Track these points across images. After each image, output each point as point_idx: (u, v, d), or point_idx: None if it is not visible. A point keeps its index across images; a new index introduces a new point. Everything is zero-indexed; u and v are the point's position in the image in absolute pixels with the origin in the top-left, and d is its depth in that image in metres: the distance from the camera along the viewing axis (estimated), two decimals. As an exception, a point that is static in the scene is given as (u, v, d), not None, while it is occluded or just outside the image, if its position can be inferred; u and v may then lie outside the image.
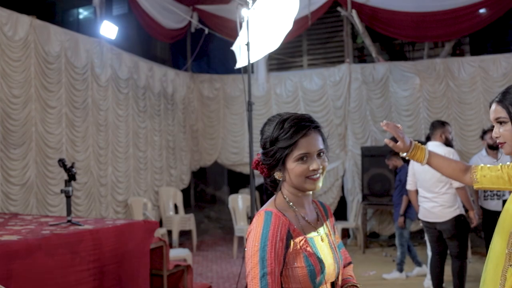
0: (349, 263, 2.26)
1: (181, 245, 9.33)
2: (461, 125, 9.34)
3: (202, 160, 11.46)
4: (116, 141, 8.89)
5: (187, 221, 9.59)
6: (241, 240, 9.18)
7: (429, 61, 9.80)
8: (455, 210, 5.41)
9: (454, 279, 5.53)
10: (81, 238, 3.94)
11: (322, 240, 1.99)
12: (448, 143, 5.45)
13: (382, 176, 9.04)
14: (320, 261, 1.91)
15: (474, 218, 5.54)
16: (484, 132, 6.49)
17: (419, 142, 2.86)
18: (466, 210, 5.58)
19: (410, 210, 7.01)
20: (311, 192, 2.03)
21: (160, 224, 9.57)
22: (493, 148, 6.28)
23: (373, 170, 9.15)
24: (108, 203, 8.63)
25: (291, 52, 11.63)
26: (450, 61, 9.58)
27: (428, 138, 5.85)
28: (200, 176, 13.05)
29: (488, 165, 2.54)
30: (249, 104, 4.31)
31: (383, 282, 7.07)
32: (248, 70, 4.46)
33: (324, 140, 1.99)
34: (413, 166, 5.81)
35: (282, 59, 11.50)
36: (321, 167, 1.94)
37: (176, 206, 9.97)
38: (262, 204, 11.30)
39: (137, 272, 4.50)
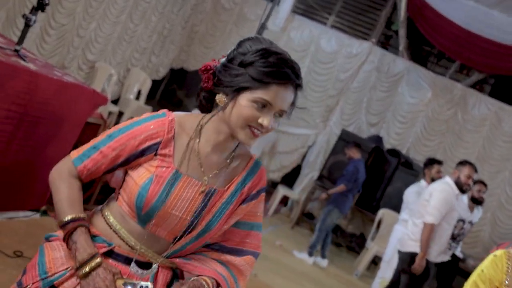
0: (253, 254, 1.72)
1: (126, 131, 8.79)
2: (447, 158, 8.89)
3: (186, 62, 10.80)
4: (113, 1, 8.16)
5: (143, 112, 8.96)
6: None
7: (450, 81, 9.28)
8: (416, 246, 4.90)
9: None
10: (15, 75, 3.36)
11: (201, 191, 1.59)
12: (458, 183, 4.94)
13: (346, 165, 8.67)
14: (163, 200, 1.54)
15: (418, 264, 4.84)
16: (474, 182, 5.96)
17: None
18: None
19: (344, 204, 7.07)
20: (236, 142, 1.66)
21: (116, 102, 9.00)
22: (476, 202, 5.82)
23: (341, 156, 8.73)
24: (76, 57, 8.00)
25: (321, 6, 10.94)
26: (470, 92, 9.08)
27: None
28: (179, 76, 12.40)
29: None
30: (262, 28, 3.76)
31: (282, 261, 6.76)
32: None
33: (293, 103, 1.60)
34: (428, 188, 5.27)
35: (310, 6, 10.80)
36: (270, 127, 1.54)
37: (139, 93, 9.37)
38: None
39: (59, 138, 3.98)
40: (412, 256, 4.92)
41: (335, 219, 7.15)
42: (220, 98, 1.56)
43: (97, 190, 5.01)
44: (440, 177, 5.97)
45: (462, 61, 9.67)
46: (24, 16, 3.76)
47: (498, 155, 8.59)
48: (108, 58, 8.66)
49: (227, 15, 10.58)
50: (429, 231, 4.81)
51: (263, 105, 1.51)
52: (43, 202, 4.31)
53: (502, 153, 8.58)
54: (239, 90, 1.52)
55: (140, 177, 1.56)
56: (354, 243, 8.96)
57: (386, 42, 10.91)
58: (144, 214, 1.55)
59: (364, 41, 9.75)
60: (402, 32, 9.67)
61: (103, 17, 8.11)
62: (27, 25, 3.79)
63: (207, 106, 1.67)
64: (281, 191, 8.96)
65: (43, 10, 3.76)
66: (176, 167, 1.57)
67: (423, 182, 6.30)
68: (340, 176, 7.40)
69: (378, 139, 9.06)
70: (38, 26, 7.03)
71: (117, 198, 1.63)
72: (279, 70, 1.50)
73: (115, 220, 1.61)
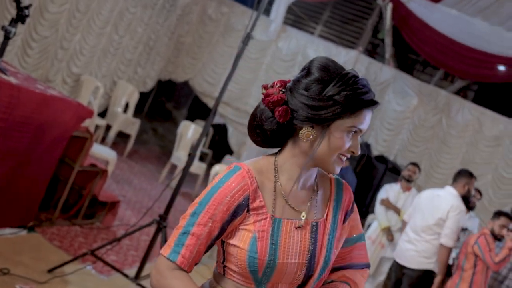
0: (365, 266, 1.73)
1: (114, 144, 8.75)
2: (432, 163, 8.94)
3: (174, 74, 10.74)
4: (98, 12, 8.12)
5: (131, 125, 8.99)
6: (174, 168, 8.75)
7: (434, 89, 9.30)
8: (429, 263, 4.89)
9: None
10: (-4, 88, 3.33)
11: (299, 227, 1.52)
12: (467, 197, 4.94)
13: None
14: (273, 253, 1.46)
15: (436, 285, 4.84)
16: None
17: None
18: None
19: None
20: (316, 169, 1.60)
21: (103, 115, 8.95)
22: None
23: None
24: (60, 70, 7.92)
25: (309, 16, 10.97)
26: (453, 98, 9.12)
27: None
28: (167, 88, 12.37)
29: None
30: (248, 38, 3.74)
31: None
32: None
33: None
34: (419, 199, 5.21)
35: (299, 17, 10.84)
36: (354, 151, 1.53)
37: (127, 106, 9.32)
38: (211, 144, 10.72)
39: (44, 152, 3.93)
40: (425, 274, 4.90)
41: None
42: (307, 132, 1.48)
43: (86, 204, 4.96)
44: (410, 176, 6.51)
45: (445, 69, 9.74)
46: (3, 28, 3.71)
47: (481, 159, 8.61)
48: (93, 70, 8.60)
49: (214, 26, 10.56)
50: (448, 254, 4.83)
51: (353, 132, 1.49)
52: (31, 218, 4.25)
53: (484, 157, 8.60)
54: (330, 122, 1.47)
55: (242, 241, 1.48)
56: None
57: (373, 51, 10.96)
58: (262, 276, 1.47)
59: (351, 49, 9.78)
60: (388, 41, 9.71)
61: (87, 29, 8.06)
62: (7, 38, 3.73)
63: (273, 140, 1.57)
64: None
65: (23, 22, 3.72)
66: (272, 214, 1.50)
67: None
68: None
69: (366, 146, 9.08)
70: (19, 39, 6.95)
71: (224, 272, 1.54)
72: (367, 95, 1.48)
73: None
